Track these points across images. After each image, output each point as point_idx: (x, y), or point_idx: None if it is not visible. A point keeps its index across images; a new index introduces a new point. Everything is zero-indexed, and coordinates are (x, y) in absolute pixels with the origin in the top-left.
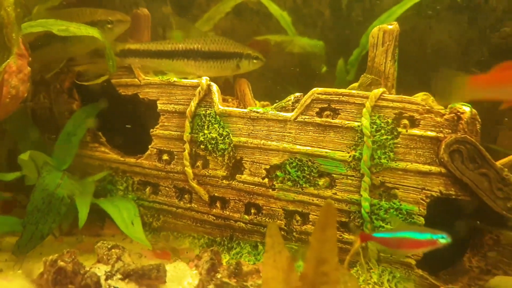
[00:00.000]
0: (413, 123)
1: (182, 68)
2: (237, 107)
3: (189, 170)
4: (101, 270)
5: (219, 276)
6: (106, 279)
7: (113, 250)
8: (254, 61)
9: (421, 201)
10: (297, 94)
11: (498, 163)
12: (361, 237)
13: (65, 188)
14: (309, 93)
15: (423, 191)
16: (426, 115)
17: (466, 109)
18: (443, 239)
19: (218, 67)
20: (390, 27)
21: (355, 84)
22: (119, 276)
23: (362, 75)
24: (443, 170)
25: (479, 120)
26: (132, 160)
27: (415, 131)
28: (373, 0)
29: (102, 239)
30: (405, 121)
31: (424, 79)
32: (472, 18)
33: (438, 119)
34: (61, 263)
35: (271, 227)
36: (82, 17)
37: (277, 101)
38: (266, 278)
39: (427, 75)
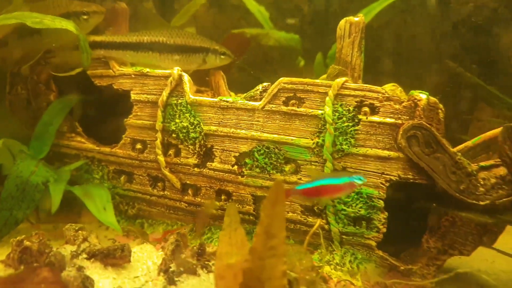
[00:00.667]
0: (373, 110)
1: (147, 60)
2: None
3: (161, 158)
4: (67, 250)
5: (183, 256)
6: (72, 258)
7: (80, 231)
8: (222, 56)
9: (381, 185)
10: (265, 83)
11: (454, 149)
12: (286, 193)
13: (39, 176)
14: (276, 83)
15: (383, 175)
16: (385, 103)
17: (423, 97)
18: (359, 180)
19: (183, 60)
20: (356, 19)
21: (325, 76)
22: (84, 255)
23: (330, 66)
24: (401, 155)
25: (442, 109)
26: (107, 149)
27: (375, 118)
28: None
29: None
30: (366, 109)
31: (399, 70)
32: (445, 13)
33: (397, 106)
34: (27, 243)
35: (230, 207)
36: (58, 8)
37: None
38: (220, 253)
39: (402, 67)
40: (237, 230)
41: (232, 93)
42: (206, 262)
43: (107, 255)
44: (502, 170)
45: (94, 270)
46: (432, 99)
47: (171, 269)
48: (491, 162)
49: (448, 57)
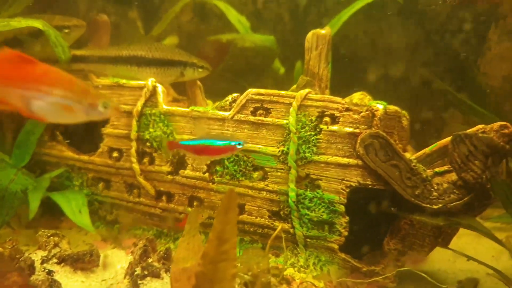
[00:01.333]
0: (334, 120)
1: (126, 73)
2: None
3: (136, 166)
4: (38, 255)
5: (150, 260)
6: (42, 263)
7: (51, 237)
8: (199, 70)
9: (342, 190)
10: (235, 94)
11: (413, 156)
12: (169, 145)
13: (18, 184)
14: (244, 94)
15: (343, 181)
16: (345, 113)
17: (380, 107)
18: (239, 145)
19: (161, 73)
20: (323, 32)
21: (295, 86)
22: (55, 260)
23: (300, 77)
24: (360, 162)
25: (406, 116)
26: (85, 157)
27: (335, 128)
28: (328, 5)
29: (59, 231)
30: (327, 119)
31: (374, 77)
32: (419, 22)
33: (356, 116)
34: None
35: (192, 214)
36: None
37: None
38: (177, 258)
39: (377, 75)
40: (195, 236)
41: (209, 102)
42: (171, 266)
43: (76, 259)
44: (454, 176)
45: (63, 274)
46: (392, 108)
47: (136, 273)
48: (444, 168)
49: (422, 65)
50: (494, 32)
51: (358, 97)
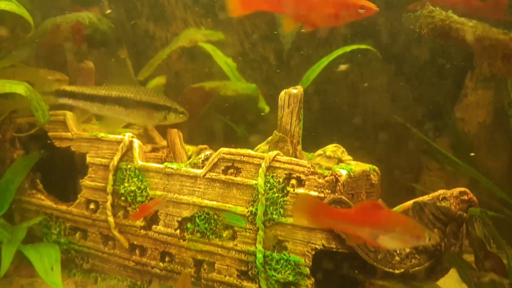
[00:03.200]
0: (300, 183)
1: (113, 113)
2: (166, 156)
3: (111, 219)
4: None
5: None
6: None
7: None
8: (180, 115)
9: (307, 253)
10: (207, 152)
11: None
12: None
13: None
14: (216, 153)
15: (309, 244)
16: (310, 176)
17: (343, 173)
18: None
19: (147, 116)
20: (294, 91)
21: (270, 138)
22: None
23: (274, 131)
24: None
25: (377, 172)
26: (63, 207)
27: (301, 190)
28: (311, 48)
29: (34, 280)
30: (293, 181)
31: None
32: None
33: (320, 180)
34: None
35: (184, 274)
36: (24, 75)
37: None
38: None
39: (354, 122)
40: None
41: (189, 147)
42: None
43: None
44: None
45: None
46: (359, 169)
47: None
48: None
49: (401, 109)
50: (470, 79)
51: (331, 149)
